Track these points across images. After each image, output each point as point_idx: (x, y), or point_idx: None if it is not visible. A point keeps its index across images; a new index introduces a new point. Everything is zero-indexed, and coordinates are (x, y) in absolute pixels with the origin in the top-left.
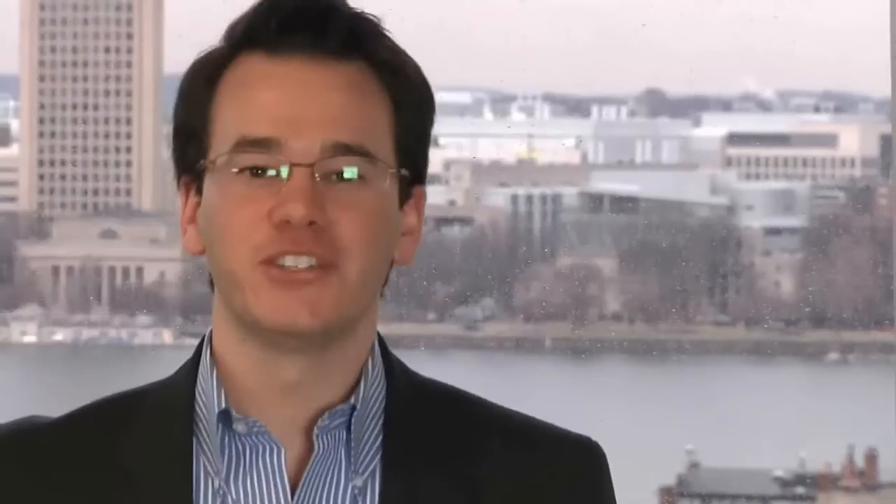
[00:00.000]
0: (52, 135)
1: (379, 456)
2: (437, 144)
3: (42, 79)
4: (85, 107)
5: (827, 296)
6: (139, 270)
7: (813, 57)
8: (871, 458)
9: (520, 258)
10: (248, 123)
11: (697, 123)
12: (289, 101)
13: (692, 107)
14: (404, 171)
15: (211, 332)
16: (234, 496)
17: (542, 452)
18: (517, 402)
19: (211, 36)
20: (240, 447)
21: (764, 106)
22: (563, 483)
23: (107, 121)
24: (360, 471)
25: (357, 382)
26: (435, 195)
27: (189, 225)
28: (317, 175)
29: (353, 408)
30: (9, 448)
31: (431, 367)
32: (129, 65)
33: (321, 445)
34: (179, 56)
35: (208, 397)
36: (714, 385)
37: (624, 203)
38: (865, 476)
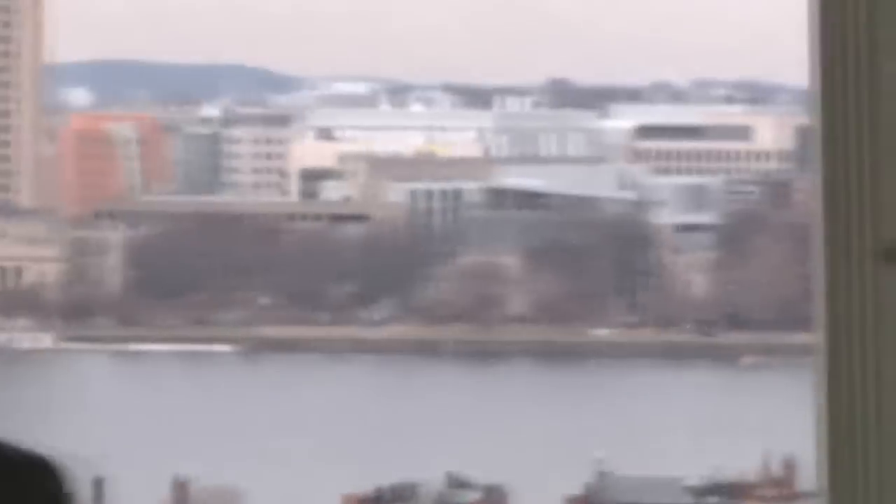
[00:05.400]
0: None
1: None
2: (331, 137)
3: None
4: None
5: (742, 295)
6: (17, 271)
7: (727, 45)
8: (790, 465)
9: (420, 257)
10: None
11: (605, 115)
12: None
13: (600, 97)
14: None
15: None
16: None
17: (15, 477)
18: (416, 408)
19: (93, 27)
20: None
21: (675, 96)
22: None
23: None
24: None
25: None
26: (329, 191)
27: None
28: None
29: None
30: None
31: (327, 372)
32: (6, 55)
33: None
34: (60, 47)
35: None
36: (624, 389)
37: (529, 199)
38: (783, 485)
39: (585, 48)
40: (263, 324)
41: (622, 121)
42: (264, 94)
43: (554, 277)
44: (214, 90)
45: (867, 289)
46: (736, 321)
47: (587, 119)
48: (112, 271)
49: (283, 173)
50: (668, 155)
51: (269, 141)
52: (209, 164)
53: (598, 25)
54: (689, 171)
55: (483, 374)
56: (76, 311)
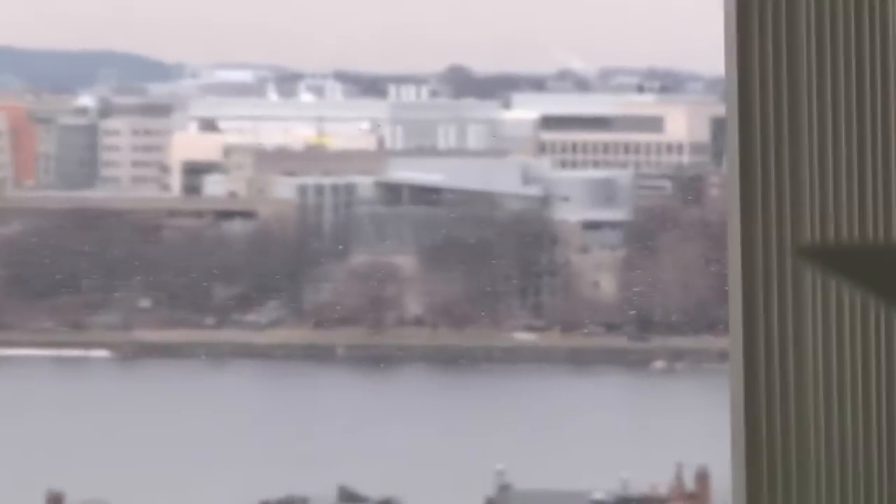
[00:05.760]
0: None
1: None
2: (215, 129)
3: None
4: None
5: (653, 297)
6: None
7: (636, 30)
8: (702, 477)
9: (310, 256)
10: None
11: (507, 105)
12: None
13: (501, 86)
14: None
15: None
16: None
17: None
18: (307, 417)
19: None
20: None
21: (582, 85)
22: None
23: None
24: None
25: None
26: (213, 185)
27: None
28: None
29: None
30: None
31: (211, 378)
32: None
33: None
34: None
35: None
36: (527, 397)
37: (426, 194)
38: (696, 498)
39: (486, 34)
40: (142, 327)
41: (526, 111)
42: (144, 83)
43: (453, 278)
44: (91, 78)
45: (785, 289)
46: (646, 324)
47: (488, 109)
48: None
49: (163, 167)
50: (574, 147)
51: (148, 132)
52: (85, 156)
53: (498, 9)
54: (596, 165)
55: (377, 380)
56: None
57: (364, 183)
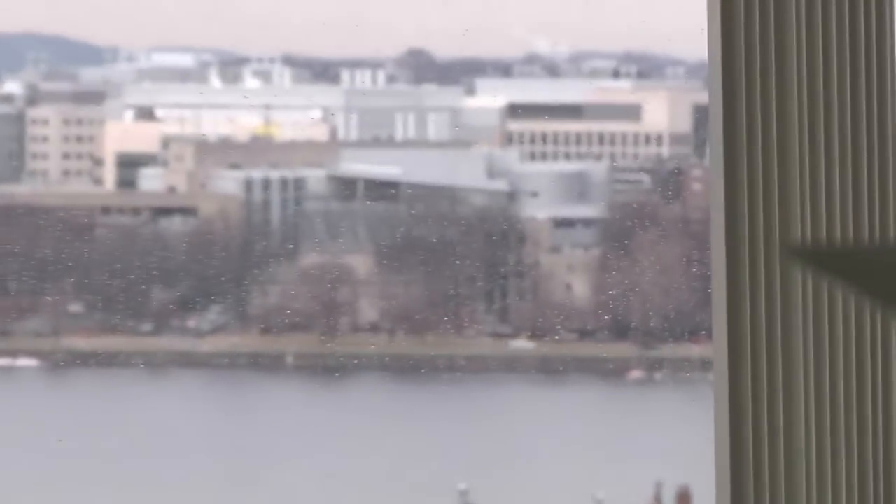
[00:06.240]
0: None
1: None
2: (152, 117)
3: None
4: None
5: (630, 301)
6: None
7: (611, 10)
8: (684, 497)
9: (256, 256)
10: None
11: (471, 92)
12: None
13: (464, 71)
14: None
15: None
16: None
17: None
18: (252, 431)
19: None
20: None
21: (552, 70)
22: None
23: None
24: None
25: None
26: (151, 179)
27: None
28: None
29: None
30: None
31: (149, 389)
32: None
33: None
34: None
35: None
36: (494, 409)
37: (383, 188)
38: None
39: (448, 14)
40: (74, 334)
41: (491, 98)
42: (74, 68)
43: (412, 280)
44: (16, 63)
45: (773, 293)
46: (622, 330)
47: (450, 96)
48: None
49: (96, 159)
50: (543, 137)
51: (80, 122)
52: (11, 148)
53: None
54: (568, 156)
55: (330, 391)
56: None
57: (315, 176)
